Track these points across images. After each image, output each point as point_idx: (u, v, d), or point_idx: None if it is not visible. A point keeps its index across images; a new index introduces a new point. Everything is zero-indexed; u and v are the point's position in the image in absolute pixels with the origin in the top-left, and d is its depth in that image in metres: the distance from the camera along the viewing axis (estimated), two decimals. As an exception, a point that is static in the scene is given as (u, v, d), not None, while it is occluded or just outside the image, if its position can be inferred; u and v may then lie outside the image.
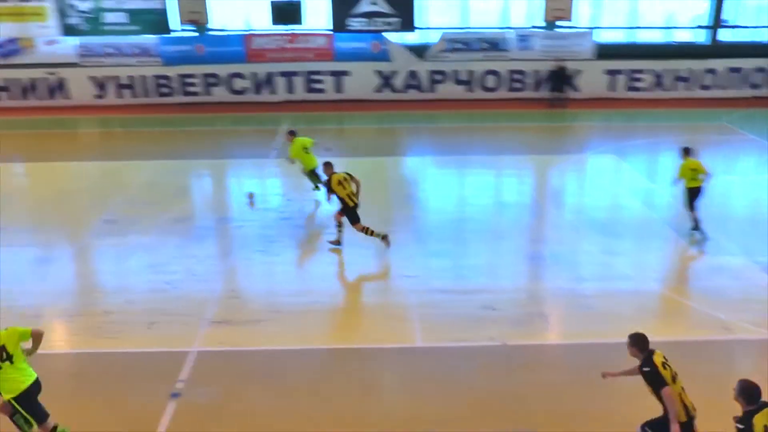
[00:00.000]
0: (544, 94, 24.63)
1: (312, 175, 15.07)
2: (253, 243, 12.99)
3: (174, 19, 24.31)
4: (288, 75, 24.76)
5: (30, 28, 24.57)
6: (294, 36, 24.37)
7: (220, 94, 24.88)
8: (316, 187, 15.15)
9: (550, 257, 12.17)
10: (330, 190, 12.17)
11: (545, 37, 24.83)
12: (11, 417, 7.11)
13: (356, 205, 12.12)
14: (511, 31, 24.96)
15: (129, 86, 25.18)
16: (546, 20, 24.63)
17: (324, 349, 9.44)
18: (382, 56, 24.43)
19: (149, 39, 24.76)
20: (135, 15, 24.14)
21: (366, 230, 12.17)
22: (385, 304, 10.64)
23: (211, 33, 25.18)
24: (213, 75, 24.82)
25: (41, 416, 7.22)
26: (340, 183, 12.02)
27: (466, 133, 20.75)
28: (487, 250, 12.63)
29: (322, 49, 24.46)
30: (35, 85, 25.35)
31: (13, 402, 7.04)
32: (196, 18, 23.87)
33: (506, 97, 24.85)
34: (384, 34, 24.08)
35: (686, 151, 12.63)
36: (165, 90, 25.16)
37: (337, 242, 12.41)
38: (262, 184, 16.65)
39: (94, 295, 11.33)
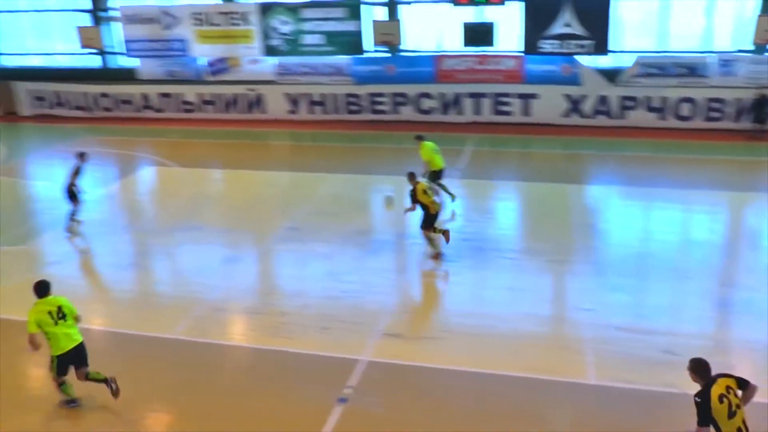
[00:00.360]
0: (744, 125, 22.60)
1: (436, 175, 15.45)
2: (430, 261, 12.87)
3: (368, 41, 25.07)
4: (476, 96, 24.65)
5: (237, 49, 26.45)
6: (484, 57, 24.29)
7: (407, 113, 25.29)
8: (453, 197, 15.61)
9: (743, 304, 10.93)
10: (414, 200, 12.64)
11: (752, 62, 22.80)
12: (51, 365, 8.56)
13: (437, 213, 12.74)
14: (713, 55, 23.18)
15: (321, 103, 26.30)
16: (755, 43, 22.62)
17: (492, 374, 9.08)
18: (572, 80, 23.65)
19: (343, 59, 25.73)
20: (331, 37, 25.15)
21: (434, 229, 12.70)
22: (558, 336, 10.10)
23: (402, 54, 25.74)
24: (402, 94, 25.28)
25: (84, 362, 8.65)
26: (425, 192, 12.62)
27: (655, 163, 19.45)
28: (670, 290, 11.64)
29: (511, 71, 24.13)
30: (237, 100, 27.21)
31: (56, 357, 8.46)
32: (389, 39, 24.45)
33: (702, 127, 23.00)
34: (576, 56, 23.33)
35: None
36: (354, 108, 26.00)
37: (437, 255, 12.67)
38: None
39: (273, 296, 11.80)
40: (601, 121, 23.70)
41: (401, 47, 25.43)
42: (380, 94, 25.54)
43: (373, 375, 9.14)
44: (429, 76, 24.94)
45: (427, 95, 25.03)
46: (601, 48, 22.80)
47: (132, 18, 26.96)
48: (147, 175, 20.63)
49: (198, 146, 24.24)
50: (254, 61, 26.76)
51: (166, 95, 27.85)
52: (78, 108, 28.98)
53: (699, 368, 6.28)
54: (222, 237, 14.71)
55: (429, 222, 12.70)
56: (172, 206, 16.90)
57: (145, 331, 10.67)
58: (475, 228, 14.47)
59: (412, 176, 12.97)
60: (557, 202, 15.99)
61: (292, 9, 25.12)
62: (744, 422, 6.17)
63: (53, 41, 30.09)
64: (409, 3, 25.07)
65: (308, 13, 25.02)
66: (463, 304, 11.26)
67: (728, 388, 6.15)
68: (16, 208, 17.54)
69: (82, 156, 15.26)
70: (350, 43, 25.07)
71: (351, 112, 26.02)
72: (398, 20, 24.74)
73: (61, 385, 8.62)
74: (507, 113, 24.46)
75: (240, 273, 12.74)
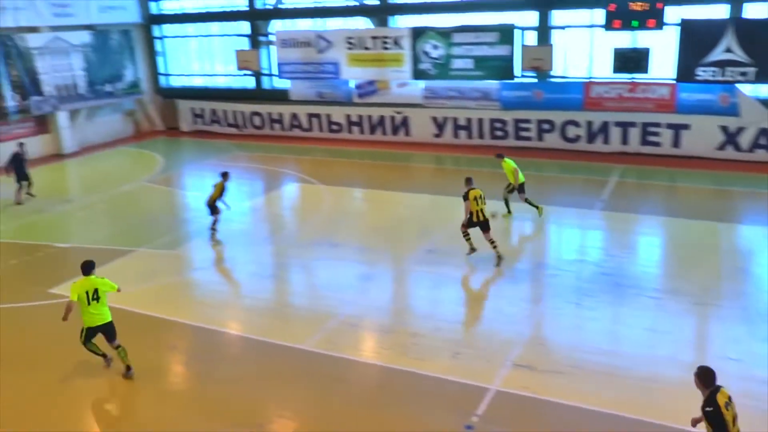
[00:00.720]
0: None
1: (520, 188, 16.88)
2: (566, 293, 12.68)
3: (517, 65, 24.96)
4: (623, 125, 23.86)
5: (387, 72, 27.19)
6: (634, 85, 23.56)
7: (552, 140, 24.92)
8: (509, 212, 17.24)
9: None
10: (466, 198, 13.86)
11: None
12: (80, 333, 10.17)
13: (478, 222, 13.86)
14: None
15: (466, 127, 26.47)
16: None
17: (623, 417, 8.79)
18: (730, 110, 22.34)
19: (490, 84, 25.79)
20: (482, 61, 25.26)
21: (466, 234, 14.09)
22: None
23: (551, 80, 25.46)
24: (548, 121, 24.97)
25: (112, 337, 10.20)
26: (475, 198, 13.82)
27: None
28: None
29: (663, 99, 23.20)
30: (383, 121, 27.97)
31: (85, 328, 10.07)
32: (539, 65, 24.23)
33: None
34: (736, 85, 22.04)
35: None
36: (499, 133, 25.95)
37: (472, 250, 14.15)
38: (582, 235, 16.28)
39: (406, 316, 12.05)
40: (761, 155, 22.23)
41: (551, 73, 25.16)
42: (526, 120, 25.37)
43: (501, 405, 9.14)
44: (577, 103, 24.51)
45: (573, 123, 24.59)
46: (765, 76, 21.40)
47: (287, 42, 28.49)
48: (291, 190, 21.65)
49: (342, 165, 25.13)
50: (402, 84, 27.41)
51: (314, 115, 29.14)
52: (231, 125, 31.01)
53: (706, 376, 6.56)
54: (359, 254, 15.19)
55: (469, 224, 13.95)
56: (313, 222, 17.63)
57: (279, 339, 11.24)
58: (615, 263, 14.05)
59: (468, 181, 14.22)
60: (706, 241, 15.23)
61: (444, 33, 25.54)
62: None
63: (214, 64, 32.32)
64: (562, 28, 24.79)
65: (460, 37, 25.34)
66: (597, 340, 10.99)
67: (729, 398, 6.55)
68: (170, 215, 19.03)
69: (225, 175, 16.37)
70: (501, 67, 25.11)
71: (495, 137, 26.00)
72: (550, 45, 24.50)
73: (86, 344, 10.26)
74: (656, 144, 23.52)
75: (374, 291, 13.12)
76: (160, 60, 33.34)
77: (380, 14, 27.48)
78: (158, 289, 13.62)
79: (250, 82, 31.37)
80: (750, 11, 22.10)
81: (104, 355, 10.50)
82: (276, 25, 30.02)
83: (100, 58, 29.58)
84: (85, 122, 29.54)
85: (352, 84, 28.39)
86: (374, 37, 26.87)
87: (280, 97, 30.10)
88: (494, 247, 13.92)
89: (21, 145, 21.72)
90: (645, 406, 9.02)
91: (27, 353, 11.26)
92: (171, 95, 32.95)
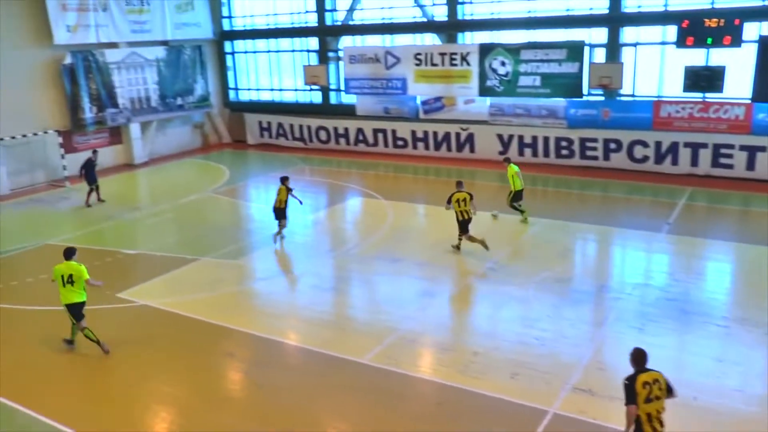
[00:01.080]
0: None
1: (517, 196, 18.25)
2: (630, 318, 12.37)
3: (585, 83, 24.60)
4: (694, 146, 23.18)
5: (454, 88, 27.20)
6: (707, 104, 22.89)
7: (619, 160, 24.41)
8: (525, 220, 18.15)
9: None
10: (449, 201, 15.83)
11: None
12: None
13: (462, 221, 15.75)
14: None
15: (531, 145, 26.22)
16: None
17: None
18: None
19: (557, 102, 25.51)
20: (550, 79, 25.03)
21: (471, 238, 15.66)
22: (763, 421, 9.18)
23: (619, 98, 25.00)
24: (615, 140, 24.51)
25: (77, 318, 11.59)
26: (457, 201, 15.69)
27: None
28: None
29: (737, 120, 22.42)
30: (448, 138, 27.94)
31: (66, 306, 11.45)
32: (608, 83, 23.82)
33: None
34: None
35: None
36: (565, 152, 25.61)
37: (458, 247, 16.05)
38: (648, 259, 15.87)
39: (466, 334, 11.97)
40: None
41: (620, 91, 24.70)
42: (593, 140, 24.97)
43: (559, 428, 8.97)
44: (645, 122, 23.99)
45: (641, 142, 24.06)
46: None
47: (355, 58, 28.84)
48: (354, 204, 21.81)
49: (406, 181, 25.21)
50: (469, 101, 27.37)
51: (379, 131, 29.35)
52: (297, 139, 31.52)
53: (637, 357, 7.63)
54: (420, 270, 15.17)
55: (461, 227, 15.79)
56: (375, 236, 17.69)
57: (337, 352, 11.30)
58: (681, 288, 13.62)
59: (457, 184, 16.17)
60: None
61: (512, 50, 25.42)
62: (658, 412, 7.53)
63: (282, 78, 33.00)
64: (633, 45, 24.34)
65: (528, 54, 25.19)
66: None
67: (656, 380, 7.46)
68: (234, 226, 19.40)
69: (285, 180, 17.34)
70: (569, 85, 24.82)
71: (561, 156, 25.68)
72: (620, 63, 24.08)
73: (74, 325, 11.65)
74: (728, 166, 22.71)
75: (435, 307, 13.09)
76: (229, 74, 34.19)
77: (449, 30, 27.54)
78: (220, 297, 13.90)
79: (317, 97, 31.85)
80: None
81: (71, 342, 11.90)
82: (345, 41, 30.43)
83: (173, 73, 30.57)
84: (155, 134, 30.53)
85: (418, 100, 28.50)
86: (442, 54, 26.96)
87: (346, 112, 30.45)
88: (472, 241, 15.71)
89: (94, 152, 22.95)
90: (711, 439, 8.70)
91: (95, 355, 11.61)
92: (239, 109, 33.74)
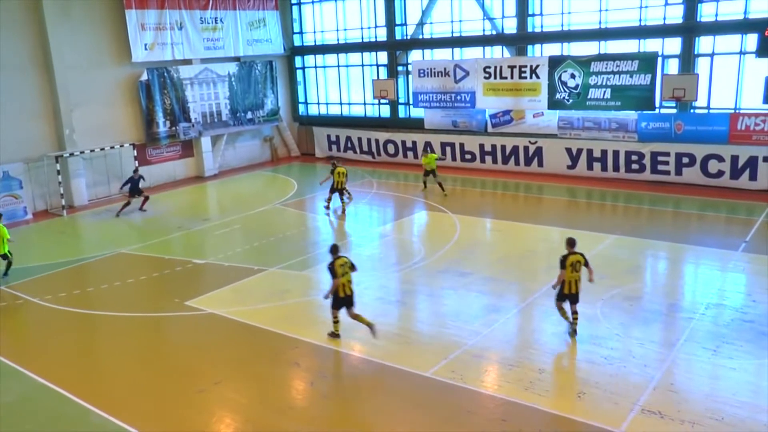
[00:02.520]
0: None
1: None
2: (703, 339, 11.94)
3: (657, 95, 24.01)
4: (774, 161, 22.33)
5: (523, 101, 26.97)
6: (788, 117, 22.00)
7: (692, 175, 23.66)
8: None
9: None
10: (563, 265, 12.08)
11: None
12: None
13: (569, 294, 12.15)
14: None
15: (600, 159, 25.71)
16: None
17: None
18: None
19: (628, 115, 24.97)
20: (621, 91, 24.52)
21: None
22: None
23: (693, 111, 24.28)
24: (688, 155, 23.76)
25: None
26: (572, 264, 11.97)
27: None
28: None
29: (820, 133, 21.54)
30: (516, 151, 27.67)
31: None
32: (681, 95, 23.17)
33: None
34: None
35: None
36: (635, 166, 25.01)
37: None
38: (723, 278, 15.29)
39: (532, 351, 11.75)
40: None
41: (694, 103, 24.00)
42: (665, 153, 24.31)
43: (627, 451, 8.72)
44: (721, 135, 23.21)
45: (716, 157, 23.25)
46: None
47: (423, 71, 28.92)
48: (421, 218, 21.77)
49: (473, 195, 25.06)
50: (538, 114, 27.07)
51: (447, 144, 29.27)
52: (365, 152, 31.69)
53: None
54: (487, 285, 15.04)
55: (559, 296, 12.24)
56: (441, 250, 17.61)
57: (401, 364, 11.30)
58: (759, 310, 13.06)
59: (570, 243, 12.28)
60: None
61: (583, 62, 25.06)
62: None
63: (351, 92, 33.40)
64: (709, 55, 23.62)
65: (598, 66, 24.80)
66: (737, 392, 10.21)
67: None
68: (301, 237, 19.63)
69: (334, 164, 21.18)
70: (641, 98, 24.30)
71: (631, 170, 25.10)
72: (695, 74, 23.39)
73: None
74: (811, 182, 21.76)
75: (501, 323, 12.93)
76: (299, 89, 34.77)
77: (518, 43, 27.35)
78: (286, 307, 14.09)
79: (385, 111, 32.05)
80: None
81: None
82: (414, 55, 30.55)
83: (244, 87, 31.28)
84: (225, 147, 31.24)
85: (487, 113, 28.36)
86: (511, 66, 26.78)
87: (414, 125, 30.54)
88: (575, 319, 12.32)
89: (135, 171, 24.36)
90: (789, 467, 8.31)
91: (164, 361, 11.94)
92: (308, 122, 34.25)
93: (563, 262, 11.97)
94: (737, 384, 10.48)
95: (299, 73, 34.64)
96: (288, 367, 11.59)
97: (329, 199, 22.41)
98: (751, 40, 21.98)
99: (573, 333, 12.18)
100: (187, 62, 28.98)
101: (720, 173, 23.27)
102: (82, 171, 25.31)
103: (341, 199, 22.44)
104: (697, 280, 15.81)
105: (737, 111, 23.26)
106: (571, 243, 12.27)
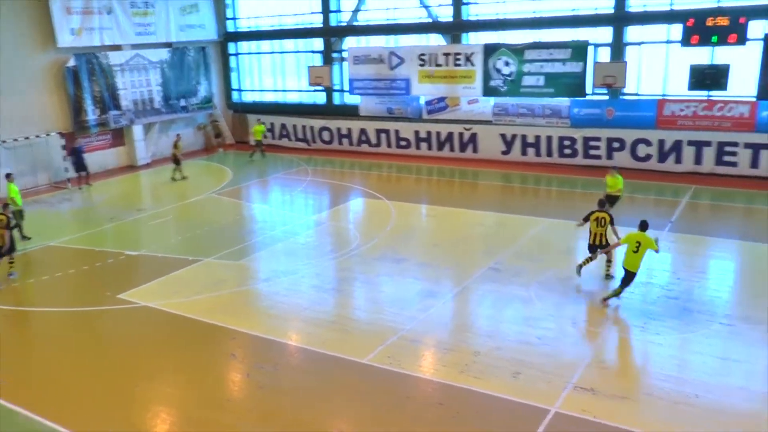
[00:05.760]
0: None
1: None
2: (632, 316, 12.37)
3: (589, 83, 24.56)
4: (698, 144, 23.13)
5: (458, 89, 27.18)
6: (711, 103, 22.82)
7: (622, 159, 24.32)
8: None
9: None
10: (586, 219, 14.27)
11: None
12: None
13: (595, 245, 14.02)
14: None
15: (534, 145, 26.17)
16: None
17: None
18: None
19: (561, 101, 25.47)
20: (554, 78, 25.00)
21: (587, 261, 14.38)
22: (766, 418, 9.08)
23: (623, 97, 24.93)
24: (618, 139, 24.45)
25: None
26: (596, 220, 13.95)
27: None
28: None
29: (742, 118, 22.39)
30: (451, 138, 27.91)
31: None
32: (612, 82, 23.75)
33: None
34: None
35: None
36: (568, 151, 25.57)
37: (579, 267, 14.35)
38: (650, 257, 15.71)
39: (467, 334, 11.90)
40: None
41: (623, 90, 24.65)
42: (596, 138, 24.93)
43: (561, 427, 8.91)
44: (649, 121, 23.97)
45: (645, 141, 24.01)
46: None
47: (359, 58, 28.84)
48: (357, 205, 21.77)
49: (409, 181, 25.20)
50: (473, 101, 27.34)
51: (383, 131, 29.34)
52: (300, 140, 31.53)
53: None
54: (423, 271, 15.14)
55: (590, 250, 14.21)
56: (377, 237, 17.65)
57: (339, 352, 11.27)
58: (684, 287, 13.58)
59: (601, 203, 14.40)
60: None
61: (517, 50, 25.39)
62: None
63: (286, 79, 33.09)
64: (638, 44, 24.28)
65: (532, 54, 25.18)
66: (664, 366, 10.59)
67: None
68: (237, 227, 19.38)
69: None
70: (572, 85, 24.80)
71: (564, 155, 25.65)
72: (624, 62, 24.02)
73: None
74: (732, 164, 22.68)
75: (437, 308, 13.03)
76: (233, 76, 34.23)
77: (453, 31, 27.53)
78: (222, 298, 13.89)
79: (320, 98, 31.86)
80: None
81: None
82: (349, 42, 30.43)
83: (176, 74, 30.62)
84: (158, 135, 30.51)
85: (422, 100, 28.49)
86: (446, 54, 26.95)
87: (349, 112, 30.47)
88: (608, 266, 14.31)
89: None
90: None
91: (97, 357, 11.63)
92: (242, 110, 33.77)
93: (588, 216, 14.16)
94: (664, 358, 10.87)
95: (233, 59, 34.08)
96: (225, 359, 11.44)
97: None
98: (676, 30, 22.66)
99: (606, 277, 14.12)
100: (117, 48, 28.12)
101: (648, 157, 24.04)
102: (4, 161, 24.32)
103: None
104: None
105: (664, 97, 24.04)
106: (599, 203, 14.38)
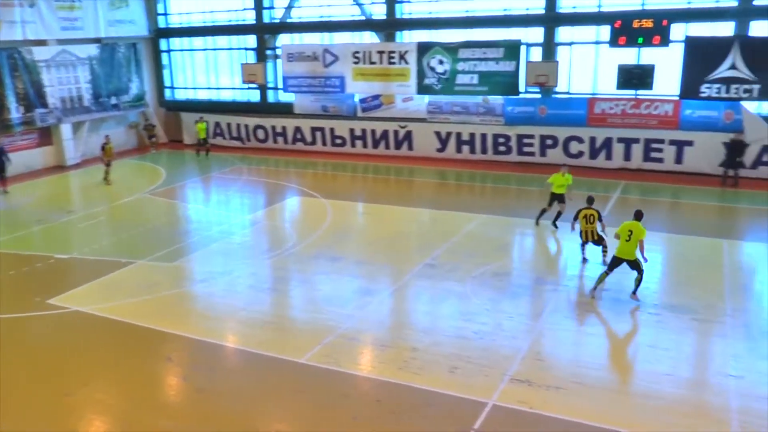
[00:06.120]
0: None
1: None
2: (566, 309, 12.69)
3: (522, 81, 25.00)
4: (627, 141, 23.91)
5: (392, 87, 27.30)
6: (638, 101, 23.58)
7: (555, 155, 24.89)
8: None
9: None
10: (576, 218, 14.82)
11: None
12: None
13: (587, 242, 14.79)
14: None
15: (469, 142, 26.51)
16: None
17: (619, 432, 8.73)
18: (734, 127, 22.34)
19: (495, 99, 25.85)
20: (487, 77, 25.35)
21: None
22: (699, 402, 9.47)
23: (555, 96, 25.50)
24: (551, 137, 25.01)
25: None
26: (585, 217, 14.52)
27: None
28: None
29: (666, 116, 23.24)
30: (386, 136, 28.03)
31: None
32: (544, 81, 24.27)
33: None
34: (741, 102, 22.03)
35: None
36: (502, 148, 26.00)
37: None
38: (588, 248, 16.19)
39: (405, 331, 11.96)
40: (763, 172, 22.22)
41: (556, 89, 25.20)
42: (529, 136, 25.41)
43: (498, 419, 9.05)
44: (580, 119, 24.57)
45: (576, 138, 24.63)
46: (770, 93, 21.45)
47: (293, 56, 28.66)
48: (292, 204, 21.65)
49: (344, 179, 25.21)
50: (407, 99, 27.50)
51: (318, 129, 29.28)
52: (234, 138, 31.18)
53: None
54: (359, 268, 15.16)
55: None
56: (313, 235, 17.57)
57: (276, 353, 11.15)
58: (614, 278, 13.91)
59: (589, 200, 14.76)
60: (708, 258, 15.17)
61: (450, 49, 25.64)
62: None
63: (219, 77, 32.66)
64: (568, 44, 24.86)
65: (466, 52, 25.46)
66: (597, 356, 10.90)
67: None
68: (171, 227, 19.01)
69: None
70: (505, 83, 25.19)
71: (498, 152, 26.07)
72: (556, 61, 24.57)
73: None
74: (658, 160, 23.56)
75: (374, 305, 13.06)
76: (165, 73, 33.55)
77: (387, 29, 27.62)
78: (157, 301, 13.58)
79: (254, 96, 31.52)
80: (755, 29, 22.18)
81: None
82: (283, 39, 30.18)
83: (106, 71, 29.80)
84: (88, 134, 29.59)
85: (357, 98, 28.50)
86: (380, 52, 27.02)
87: (284, 110, 30.26)
88: (604, 254, 14.76)
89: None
90: (643, 422, 8.94)
91: (26, 365, 11.20)
92: (175, 108, 33.12)
93: (576, 215, 14.69)
94: (596, 348, 11.19)
95: (165, 56, 33.38)
96: (160, 363, 11.20)
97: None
98: (605, 31, 23.31)
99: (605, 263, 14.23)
100: (42, 43, 27.12)
101: (580, 153, 24.68)
102: None
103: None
104: (561, 254, 16.62)
105: (594, 96, 24.70)
106: (588, 200, 14.74)
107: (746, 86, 21.58)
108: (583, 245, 14.90)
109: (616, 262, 12.80)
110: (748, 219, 19.08)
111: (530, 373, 10.22)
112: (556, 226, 17.24)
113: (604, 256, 14.66)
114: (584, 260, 14.94)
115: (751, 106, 22.40)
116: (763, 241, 16.40)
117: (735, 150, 21.89)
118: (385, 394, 9.92)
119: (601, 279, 13.04)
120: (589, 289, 13.24)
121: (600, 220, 14.45)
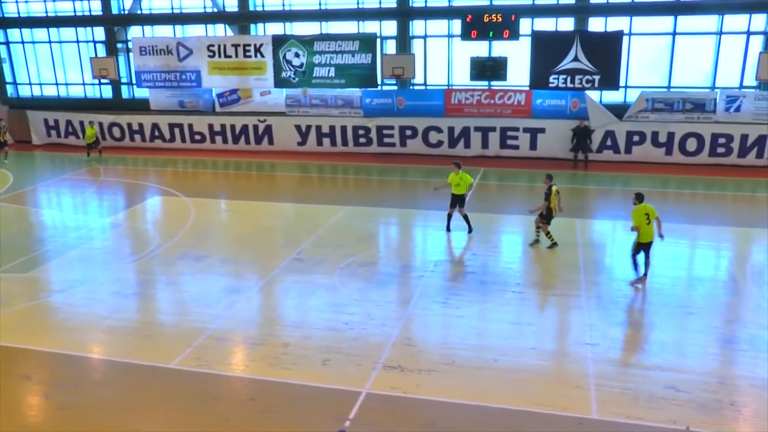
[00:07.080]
0: (750, 160, 22.81)
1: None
2: (433, 293, 12.89)
3: (379, 74, 25.25)
4: (483, 130, 24.80)
5: (249, 80, 26.79)
6: (492, 92, 24.46)
7: (415, 146, 25.40)
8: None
9: (747, 341, 10.81)
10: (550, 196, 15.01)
11: (759, 99, 22.79)
12: None
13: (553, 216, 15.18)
14: (717, 91, 23.25)
15: (329, 135, 26.48)
16: (758, 79, 22.63)
17: (493, 408, 8.96)
18: (580, 114, 23.78)
19: (353, 92, 25.97)
20: (344, 69, 25.43)
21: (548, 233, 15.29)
22: (561, 371, 9.98)
23: (412, 87, 25.94)
24: (410, 127, 25.45)
25: None
26: (557, 193, 15.07)
27: (661, 198, 19.40)
28: (674, 326, 11.49)
29: (519, 105, 24.31)
30: (246, 130, 27.48)
31: None
32: (400, 73, 24.64)
33: (708, 163, 23.19)
34: (585, 91, 23.46)
35: None
36: (363, 140, 26.18)
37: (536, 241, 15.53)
38: (446, 236, 16.56)
39: (275, 327, 11.74)
40: (607, 155, 23.82)
41: (413, 81, 25.65)
42: (389, 127, 25.72)
43: (373, 407, 9.05)
44: (438, 109, 25.13)
45: (435, 128, 25.20)
46: (610, 83, 22.99)
47: (145, 49, 27.45)
48: (153, 204, 20.75)
49: (205, 176, 24.49)
50: (265, 92, 27.07)
51: (176, 125, 28.23)
52: (89, 137, 29.35)
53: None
54: (225, 267, 14.75)
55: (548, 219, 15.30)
56: (177, 235, 16.92)
57: (145, 360, 10.61)
58: (479, 261, 14.43)
59: (549, 177, 15.26)
60: (564, 237, 15.91)
61: (306, 41, 25.45)
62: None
63: (68, 72, 30.62)
64: (423, 37, 25.35)
65: (321, 45, 25.35)
66: (465, 337, 11.17)
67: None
68: (24, 235, 17.62)
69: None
70: (363, 76, 25.34)
71: (359, 144, 26.21)
72: (411, 54, 24.98)
73: None
74: (514, 147, 24.61)
75: (242, 303, 12.73)
76: (5, 67, 31.05)
77: (241, 21, 27.04)
78: (11, 316, 12.46)
79: (107, 92, 29.91)
80: (593, 25, 23.63)
81: None
82: (134, 32, 28.81)
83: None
84: None
85: (214, 93, 27.74)
86: (235, 45, 26.43)
87: (140, 107, 28.96)
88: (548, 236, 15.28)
89: None
90: (512, 395, 9.25)
91: None
92: (20, 105, 30.78)
93: (548, 194, 14.90)
94: (465, 329, 11.46)
95: (3, 48, 30.91)
96: (18, 382, 10.28)
97: None
98: (458, 25, 23.97)
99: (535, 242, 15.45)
100: None
101: (439, 143, 25.30)
102: None
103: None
104: (426, 241, 16.95)
105: (450, 87, 25.36)
106: (549, 177, 15.26)
107: (588, 77, 22.97)
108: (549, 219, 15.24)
109: (640, 248, 13.02)
110: (596, 199, 20.30)
111: (402, 359, 10.30)
112: (471, 230, 16.59)
113: (537, 235, 15.45)
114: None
115: (594, 95, 23.85)
116: (610, 218, 17.50)
117: (582, 136, 23.27)
118: (258, 392, 9.68)
119: (644, 264, 13.16)
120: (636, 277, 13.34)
121: (558, 193, 15.16)
